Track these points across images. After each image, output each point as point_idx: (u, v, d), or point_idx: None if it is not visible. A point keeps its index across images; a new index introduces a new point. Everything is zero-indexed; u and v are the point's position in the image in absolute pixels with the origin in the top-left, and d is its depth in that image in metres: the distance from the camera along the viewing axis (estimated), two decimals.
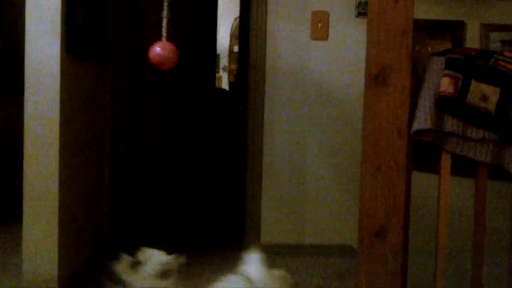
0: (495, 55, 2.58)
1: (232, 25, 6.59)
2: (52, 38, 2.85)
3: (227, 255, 3.96)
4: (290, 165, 4.08)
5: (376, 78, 2.55)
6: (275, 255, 3.97)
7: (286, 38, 4.11)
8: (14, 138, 3.30)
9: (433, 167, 2.68)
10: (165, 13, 2.75)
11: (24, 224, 2.85)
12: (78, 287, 3.05)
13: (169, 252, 4.00)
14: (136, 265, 2.19)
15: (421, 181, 2.93)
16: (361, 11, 4.06)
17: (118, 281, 2.18)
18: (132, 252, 3.94)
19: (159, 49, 2.58)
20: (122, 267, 2.20)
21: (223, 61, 5.82)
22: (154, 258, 2.21)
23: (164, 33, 2.68)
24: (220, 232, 4.87)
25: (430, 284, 2.75)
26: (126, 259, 2.19)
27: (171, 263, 2.15)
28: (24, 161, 2.86)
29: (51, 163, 2.83)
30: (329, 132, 4.09)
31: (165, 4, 2.88)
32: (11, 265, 3.44)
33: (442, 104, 2.51)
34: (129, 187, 4.85)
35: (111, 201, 4.16)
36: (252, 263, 2.15)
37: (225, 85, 6.10)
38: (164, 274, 2.23)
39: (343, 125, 4.06)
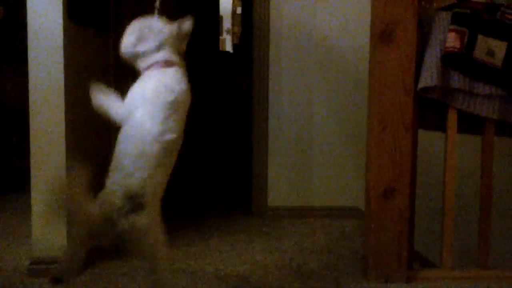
0: (502, 8, 2.53)
1: None
2: (54, 4, 2.81)
3: (236, 219, 3.98)
4: (297, 127, 4.06)
5: (382, 35, 2.52)
6: (282, 218, 3.98)
7: None
8: (21, 107, 3.29)
9: (440, 125, 2.66)
10: (157, 2, 2.71)
11: (32, 193, 2.85)
12: (88, 255, 3.07)
13: (176, 218, 4.03)
14: None
15: (427, 139, 2.91)
16: None
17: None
18: None
19: None
20: None
21: (226, 23, 5.76)
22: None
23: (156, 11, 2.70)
24: (227, 196, 4.88)
25: (437, 243, 2.76)
26: None
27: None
28: (31, 130, 2.85)
29: (57, 130, 2.82)
30: (335, 92, 4.05)
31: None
32: (21, 234, 3.47)
33: (449, 60, 2.48)
34: None
35: None
36: None
37: (229, 47, 6.04)
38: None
39: (349, 85, 4.02)
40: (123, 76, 4.32)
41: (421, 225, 2.84)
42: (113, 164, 2.23)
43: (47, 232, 2.83)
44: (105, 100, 2.31)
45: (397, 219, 2.61)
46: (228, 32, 5.48)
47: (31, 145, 2.83)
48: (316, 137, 4.05)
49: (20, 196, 4.28)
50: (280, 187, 4.09)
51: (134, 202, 2.10)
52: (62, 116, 2.82)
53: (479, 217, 2.68)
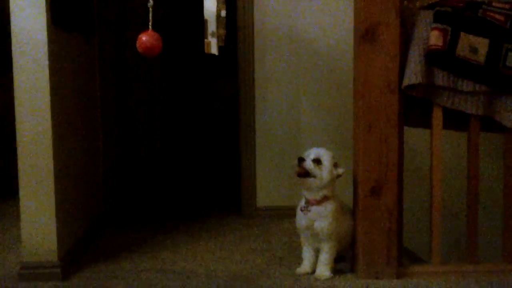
0: (483, 6, 2.56)
1: None
2: (37, 9, 2.81)
3: (225, 220, 3.99)
4: (283, 127, 4.08)
5: (365, 34, 2.55)
6: (271, 218, 4.00)
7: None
8: (8, 113, 3.29)
9: (425, 122, 2.69)
10: (151, 2, 2.80)
11: (21, 198, 2.85)
12: (77, 259, 3.06)
13: (165, 220, 4.04)
14: (317, 162, 2.69)
15: (413, 136, 2.94)
16: None
17: (307, 174, 2.68)
18: (129, 222, 3.97)
19: (145, 38, 2.81)
20: (309, 164, 2.68)
21: (211, 26, 5.74)
22: (327, 156, 2.72)
23: (150, 23, 2.83)
24: (216, 197, 4.89)
25: (426, 240, 2.78)
26: (308, 158, 2.70)
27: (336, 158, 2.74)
28: (17, 136, 2.85)
29: (44, 136, 2.82)
30: (321, 92, 4.08)
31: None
32: (11, 239, 3.47)
33: (432, 57, 2.51)
34: (123, 156, 4.85)
35: (106, 171, 4.16)
36: None
37: (214, 50, 6.03)
38: (335, 163, 2.73)
39: (335, 85, 4.05)
40: (108, 80, 4.33)
41: (409, 221, 2.87)
42: None
43: (37, 237, 2.83)
44: None
45: (385, 216, 2.64)
46: (212, 35, 5.46)
47: (18, 151, 2.83)
48: (303, 137, 4.07)
49: (7, 202, 4.29)
50: (269, 187, 4.11)
51: None
52: (48, 121, 2.82)
53: (466, 212, 2.72)
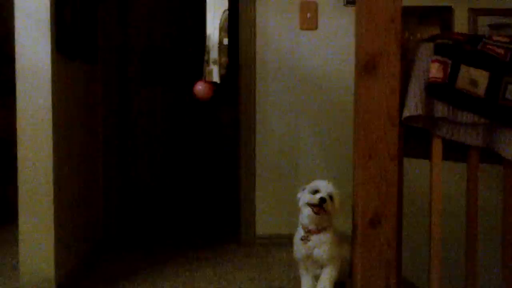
0: (483, 39, 2.58)
1: (221, 18, 6.56)
2: (42, 37, 2.84)
3: (223, 248, 3.98)
4: (283, 155, 4.09)
5: (366, 66, 2.56)
6: (270, 246, 3.98)
7: (276, 30, 4.12)
8: (9, 139, 3.30)
9: (425, 153, 2.69)
10: (207, 56, 3.28)
11: (20, 225, 2.85)
12: (75, 285, 3.05)
13: (164, 247, 4.02)
14: (330, 198, 2.77)
15: (413, 167, 2.94)
16: (350, 0, 4.06)
17: (324, 209, 2.74)
18: (128, 248, 3.95)
19: (200, 87, 3.66)
20: (328, 204, 2.76)
21: (213, 54, 5.79)
22: (336, 191, 2.82)
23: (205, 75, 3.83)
24: (216, 226, 4.88)
25: (425, 271, 2.77)
26: (325, 194, 2.77)
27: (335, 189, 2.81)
28: (18, 161, 2.86)
29: (45, 163, 2.83)
30: (321, 122, 4.10)
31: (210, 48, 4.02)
32: (8, 266, 3.45)
33: (432, 89, 2.52)
34: (124, 183, 4.85)
35: (106, 198, 4.16)
36: None
37: (216, 78, 6.07)
38: (331, 197, 2.79)
39: (335, 114, 4.07)
40: (110, 107, 4.35)
41: (408, 251, 2.86)
42: None
43: (35, 262, 2.82)
44: None
45: (384, 247, 2.62)
46: (214, 62, 5.51)
47: (19, 176, 2.84)
48: (303, 166, 4.08)
49: (4, 229, 4.28)
50: (268, 215, 4.10)
51: None
52: (49, 147, 2.83)
53: (466, 243, 2.70)
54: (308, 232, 2.79)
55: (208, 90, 3.50)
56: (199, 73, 5.67)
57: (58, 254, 2.87)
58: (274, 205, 4.11)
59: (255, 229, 4.10)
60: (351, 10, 3.91)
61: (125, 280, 3.23)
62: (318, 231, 2.78)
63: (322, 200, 2.74)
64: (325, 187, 2.80)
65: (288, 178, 4.09)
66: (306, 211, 2.77)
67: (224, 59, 4.55)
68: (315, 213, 2.75)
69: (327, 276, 2.80)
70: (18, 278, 2.87)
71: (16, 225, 2.87)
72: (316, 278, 2.84)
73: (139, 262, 3.59)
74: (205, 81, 3.41)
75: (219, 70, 4.42)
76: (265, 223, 4.10)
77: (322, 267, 2.80)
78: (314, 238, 2.77)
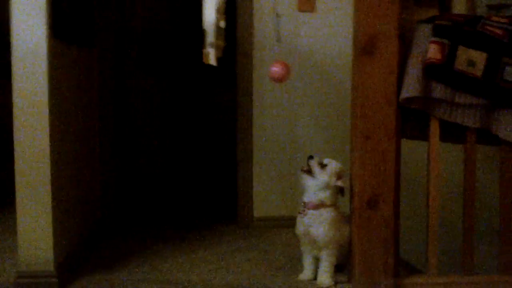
0: (482, 20, 2.58)
1: (218, 0, 6.56)
2: (39, 21, 2.82)
3: (222, 230, 3.99)
4: (281, 137, 4.09)
5: (364, 47, 2.56)
6: (268, 228, 4.00)
7: (273, 11, 4.09)
8: (5, 123, 3.29)
9: (422, 134, 2.70)
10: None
11: (18, 208, 2.85)
12: (74, 268, 3.06)
13: (163, 229, 4.03)
14: (322, 165, 2.83)
15: (410, 148, 2.95)
16: None
17: (310, 171, 2.82)
18: (127, 230, 3.97)
19: (276, 69, 3.23)
20: (314, 163, 2.83)
21: (210, 37, 5.80)
22: (334, 164, 2.83)
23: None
24: (214, 207, 4.89)
25: (422, 251, 2.79)
26: (316, 158, 2.84)
27: (344, 169, 2.84)
28: (15, 145, 2.85)
29: (42, 146, 2.82)
30: (319, 103, 4.09)
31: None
32: (7, 249, 3.46)
33: (430, 71, 2.53)
34: (121, 166, 4.85)
35: (104, 181, 4.16)
36: None
37: (213, 61, 6.08)
38: (339, 175, 2.82)
39: (333, 96, 4.07)
40: (107, 90, 4.34)
41: (406, 232, 2.88)
42: None
43: (33, 245, 2.83)
44: None
45: (382, 227, 2.64)
46: (211, 45, 5.51)
47: (16, 161, 2.83)
48: (301, 147, 4.08)
49: (4, 210, 4.28)
50: (266, 197, 4.11)
51: None
52: (46, 132, 2.82)
53: (462, 223, 2.72)
54: (305, 205, 2.82)
55: (286, 71, 3.28)
56: (198, 57, 5.66)
57: (57, 236, 2.87)
58: (271, 187, 4.12)
59: (253, 211, 4.11)
60: None
61: (125, 260, 3.25)
62: (315, 206, 2.81)
63: (310, 157, 2.85)
64: (326, 159, 2.88)
65: (286, 160, 4.10)
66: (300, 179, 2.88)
67: (221, 42, 4.53)
68: (303, 171, 2.84)
69: (325, 267, 2.84)
70: (17, 261, 2.87)
71: (14, 206, 2.87)
72: (317, 260, 2.86)
73: (137, 245, 3.61)
74: (280, 62, 3.29)
75: (216, 52, 4.40)
76: (263, 204, 4.12)
77: (320, 249, 2.81)
78: (311, 214, 2.81)
